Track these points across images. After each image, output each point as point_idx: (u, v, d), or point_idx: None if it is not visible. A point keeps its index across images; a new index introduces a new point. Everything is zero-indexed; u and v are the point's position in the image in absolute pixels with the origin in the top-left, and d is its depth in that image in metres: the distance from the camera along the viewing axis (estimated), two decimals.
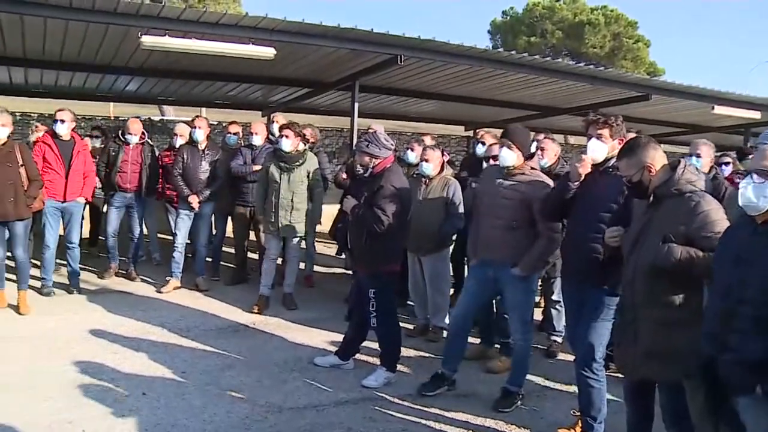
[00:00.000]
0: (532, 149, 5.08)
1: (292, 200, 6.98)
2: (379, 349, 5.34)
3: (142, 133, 8.13)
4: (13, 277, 6.85)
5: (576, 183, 4.34)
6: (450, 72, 9.80)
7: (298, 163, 6.99)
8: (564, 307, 5.19)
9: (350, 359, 5.54)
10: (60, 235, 7.35)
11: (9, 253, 6.71)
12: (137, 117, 8.95)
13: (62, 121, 7.23)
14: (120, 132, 8.17)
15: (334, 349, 5.71)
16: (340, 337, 5.80)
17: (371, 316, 5.16)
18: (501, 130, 5.13)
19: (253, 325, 6.62)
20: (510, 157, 4.80)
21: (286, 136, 6.94)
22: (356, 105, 9.82)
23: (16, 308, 6.62)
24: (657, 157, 3.53)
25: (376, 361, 5.39)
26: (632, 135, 4.24)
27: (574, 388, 4.69)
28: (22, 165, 6.51)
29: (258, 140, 7.69)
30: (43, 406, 4.49)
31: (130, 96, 13.22)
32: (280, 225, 6.97)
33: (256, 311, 6.93)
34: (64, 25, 7.69)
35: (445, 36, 8.40)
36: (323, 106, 13.70)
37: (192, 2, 26.19)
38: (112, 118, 15.63)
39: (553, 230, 4.74)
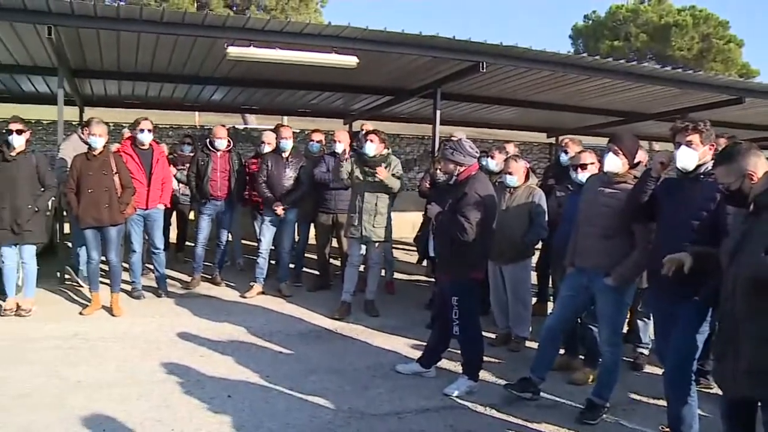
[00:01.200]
0: (639, 157, 4.95)
1: (376, 204, 7.04)
2: (461, 357, 5.31)
3: (229, 141, 8.32)
4: (107, 280, 7.15)
5: (657, 176, 4.22)
6: (532, 78, 9.69)
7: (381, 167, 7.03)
8: (652, 318, 5.04)
9: (432, 367, 5.51)
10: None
11: (103, 258, 7.01)
12: (223, 125, 9.18)
13: (149, 130, 7.53)
14: (208, 141, 8.38)
15: (415, 356, 5.70)
16: (421, 345, 5.80)
17: (454, 324, 5.12)
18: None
19: (335, 330, 6.69)
20: (615, 163, 4.69)
21: (371, 140, 7.00)
22: (438, 112, 9.80)
23: (110, 310, 6.91)
24: (759, 164, 3.33)
25: (458, 369, 5.36)
26: (723, 140, 4.08)
27: (662, 403, 4.54)
28: (116, 173, 6.81)
29: (340, 148, 7.76)
30: (135, 404, 4.64)
31: (215, 105, 13.58)
32: (363, 230, 7.03)
33: (337, 317, 7.00)
34: (155, 38, 7.99)
35: (526, 42, 8.31)
36: (404, 114, 13.75)
37: (274, 13, 26.73)
38: (198, 126, 16.05)
39: (649, 242, 4.54)
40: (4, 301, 6.80)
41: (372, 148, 6.99)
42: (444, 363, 5.61)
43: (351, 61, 7.81)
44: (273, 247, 8.11)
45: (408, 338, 6.47)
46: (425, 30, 7.55)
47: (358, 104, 12.95)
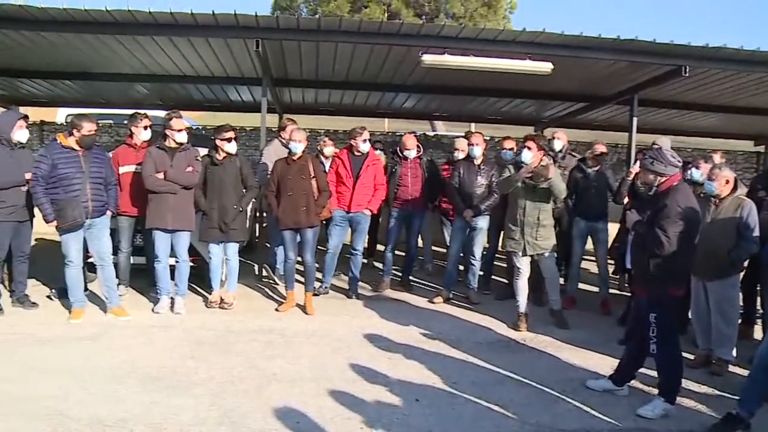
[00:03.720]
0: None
1: (538, 217, 6.79)
2: (657, 377, 5.00)
3: (418, 147, 8.42)
4: (301, 279, 7.51)
5: None
6: (739, 82, 9.08)
7: (542, 179, 6.75)
8: None
9: (625, 385, 5.24)
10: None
11: (299, 258, 7.36)
12: (412, 132, 9.32)
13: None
14: (397, 148, 8.55)
15: (606, 372, 5.45)
16: (612, 361, 5.57)
17: (650, 342, 4.83)
18: None
19: (523, 341, 6.56)
20: None
21: (528, 148, 6.76)
22: (635, 119, 9.38)
23: (303, 308, 7.24)
24: None
25: (653, 390, 5.06)
26: None
27: None
28: (313, 177, 7.12)
29: (529, 156, 7.60)
30: (326, 400, 4.81)
31: (405, 112, 13.86)
32: (526, 244, 6.81)
33: (522, 328, 6.85)
34: (352, 48, 8.30)
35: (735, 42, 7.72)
36: (598, 121, 13.35)
37: (463, 20, 26.85)
38: (387, 132, 16.46)
39: None
40: (209, 294, 7.32)
41: (529, 155, 6.74)
42: (637, 383, 5.32)
43: (546, 67, 7.67)
44: (462, 254, 8.09)
45: (598, 353, 6.20)
46: (623, 33, 7.25)
47: (550, 111, 12.72)
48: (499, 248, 8.53)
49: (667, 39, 7.42)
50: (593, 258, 8.12)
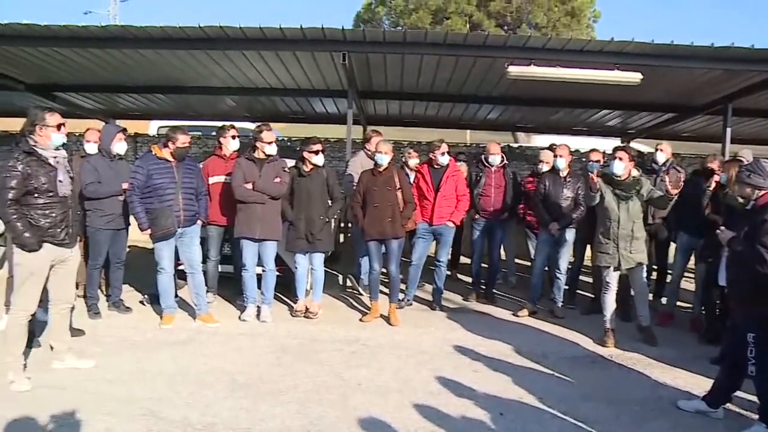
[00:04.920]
0: None
1: (632, 230, 6.60)
2: (757, 401, 4.77)
3: (502, 156, 8.37)
4: (386, 290, 7.56)
5: None
6: None
7: (634, 191, 6.60)
8: None
9: (720, 407, 5.03)
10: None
11: (384, 269, 7.41)
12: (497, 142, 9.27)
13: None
14: (482, 157, 8.51)
15: (698, 392, 5.24)
16: (704, 380, 5.38)
17: (749, 363, 4.63)
18: None
19: (610, 357, 6.40)
20: None
21: (620, 159, 6.58)
22: (728, 130, 9.07)
23: (387, 319, 7.27)
24: None
25: (752, 414, 4.85)
26: None
27: None
28: (399, 188, 7.16)
29: (621, 167, 7.43)
30: (410, 411, 4.80)
31: (489, 124, 13.80)
32: (620, 258, 6.62)
33: (609, 344, 6.68)
34: (437, 60, 8.32)
35: None
36: (687, 132, 12.96)
37: (545, 30, 26.59)
38: (470, 144, 16.40)
39: None
40: (295, 303, 7.44)
41: (621, 166, 6.57)
42: (734, 406, 5.09)
43: (635, 77, 7.52)
44: (547, 268, 7.99)
45: (689, 372, 5.97)
46: (717, 40, 7.02)
47: (637, 122, 12.42)
48: (585, 262, 8.37)
49: (766, 45, 7.16)
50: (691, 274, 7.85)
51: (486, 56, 7.88)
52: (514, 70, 7.65)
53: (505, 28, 27.35)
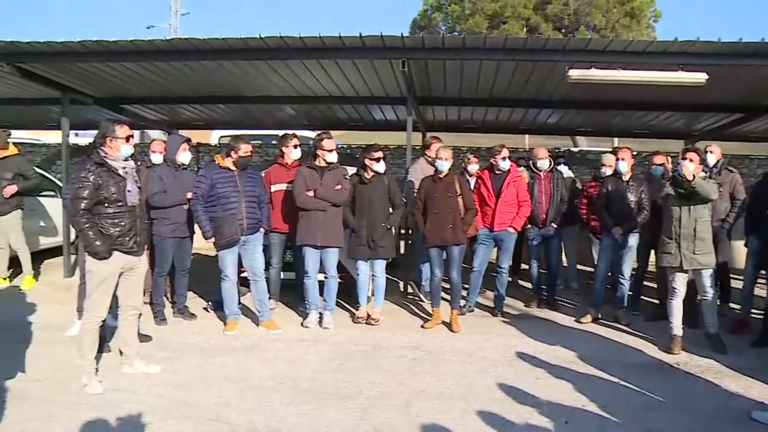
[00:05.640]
0: None
1: (695, 229, 6.42)
2: None
3: (550, 161, 8.29)
4: (447, 296, 7.55)
5: None
6: None
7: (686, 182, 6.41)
8: None
9: None
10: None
11: (445, 276, 7.43)
12: (556, 149, 9.19)
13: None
14: (530, 162, 8.47)
15: None
16: None
17: None
18: None
19: (677, 365, 6.25)
20: None
21: (690, 160, 6.38)
22: None
23: (449, 325, 7.28)
24: None
25: None
26: None
27: None
28: (460, 194, 7.17)
29: (692, 168, 7.21)
30: (474, 418, 4.79)
31: (548, 128, 13.69)
32: (683, 258, 6.47)
33: (676, 351, 6.53)
34: (496, 65, 8.30)
35: None
36: (755, 133, 12.57)
37: (604, 32, 26.20)
38: (529, 149, 16.29)
39: None
40: (356, 310, 7.50)
41: (692, 167, 6.36)
42: None
43: (700, 77, 7.36)
44: (610, 273, 7.87)
45: (761, 382, 5.77)
46: None
47: (701, 124, 12.16)
48: (649, 267, 8.22)
49: None
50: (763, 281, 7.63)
51: (546, 60, 7.82)
52: (574, 73, 7.58)
53: (563, 30, 27.05)
